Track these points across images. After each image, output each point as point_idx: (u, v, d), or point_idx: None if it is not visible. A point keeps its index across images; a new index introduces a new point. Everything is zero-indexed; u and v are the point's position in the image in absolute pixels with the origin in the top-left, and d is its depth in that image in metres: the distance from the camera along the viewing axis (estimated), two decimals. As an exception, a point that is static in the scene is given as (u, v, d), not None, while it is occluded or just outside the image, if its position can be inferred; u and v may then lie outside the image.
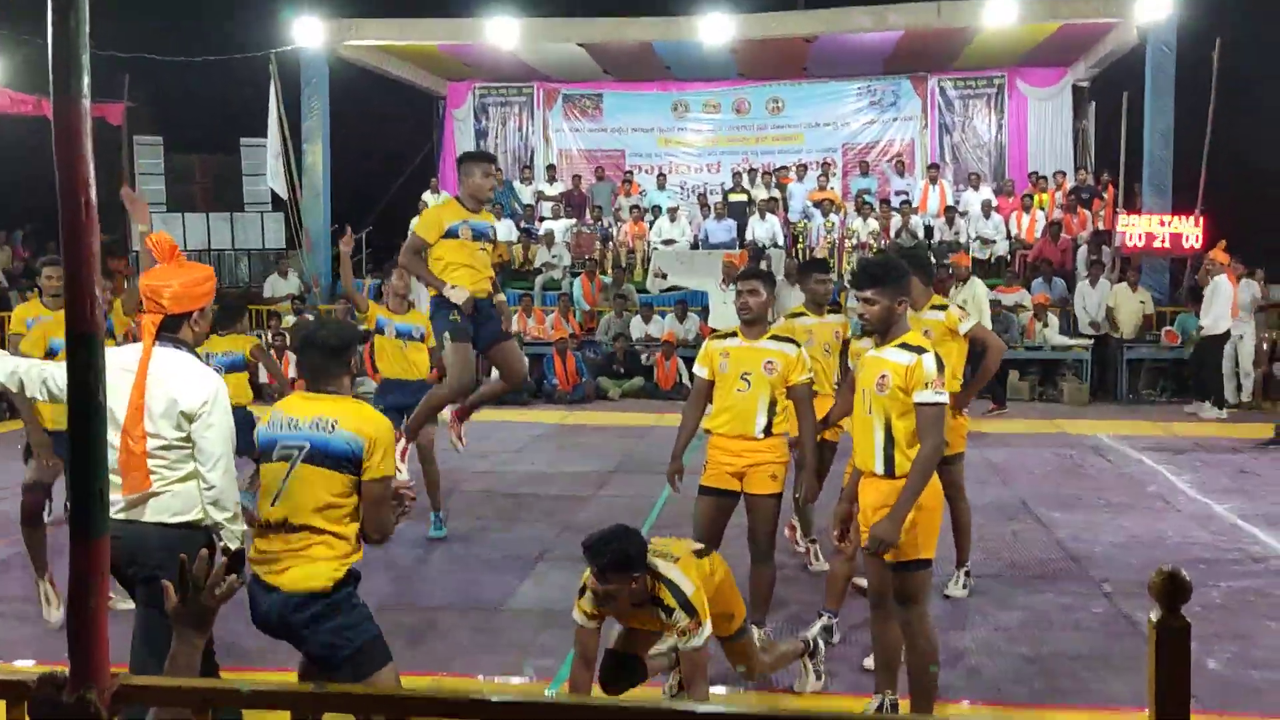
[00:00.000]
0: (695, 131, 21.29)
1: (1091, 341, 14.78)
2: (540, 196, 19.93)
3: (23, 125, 17.37)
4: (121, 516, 3.51)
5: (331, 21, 17.40)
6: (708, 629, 4.04)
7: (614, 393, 15.02)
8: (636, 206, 18.78)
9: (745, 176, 19.41)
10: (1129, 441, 11.35)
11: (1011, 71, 19.83)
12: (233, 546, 3.70)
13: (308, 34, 17.17)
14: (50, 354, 6.12)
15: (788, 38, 17.35)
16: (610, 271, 17.21)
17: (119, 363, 3.52)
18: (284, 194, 16.99)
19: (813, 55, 18.64)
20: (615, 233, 18.46)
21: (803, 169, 19.45)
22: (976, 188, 18.24)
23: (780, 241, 17.56)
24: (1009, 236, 17.35)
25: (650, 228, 18.35)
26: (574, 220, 18.83)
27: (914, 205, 18.04)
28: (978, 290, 11.43)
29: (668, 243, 17.99)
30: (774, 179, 19.36)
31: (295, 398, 3.77)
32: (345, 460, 3.54)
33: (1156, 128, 15.76)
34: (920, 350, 4.24)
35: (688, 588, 4.04)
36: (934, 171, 18.82)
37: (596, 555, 3.92)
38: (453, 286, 6.12)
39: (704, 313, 15.93)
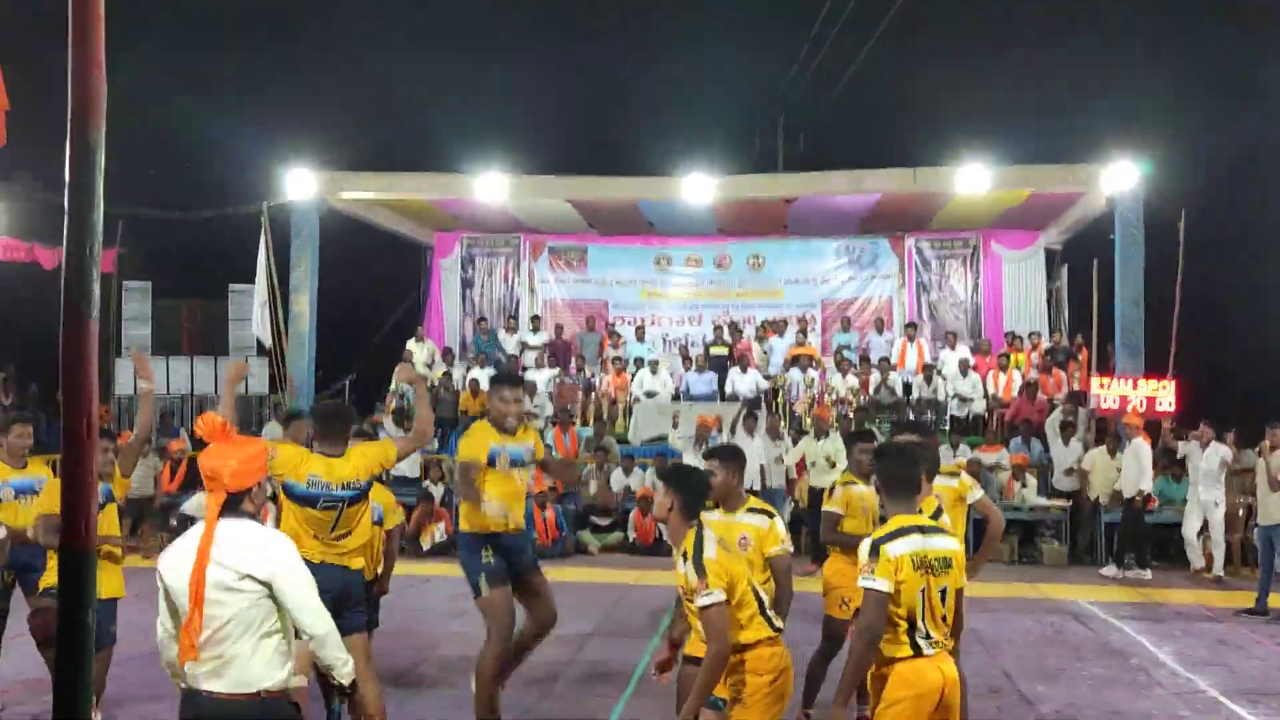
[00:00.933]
0: (677, 285, 21.69)
1: (1069, 503, 14.87)
2: (524, 346, 20.14)
3: (13, 271, 17.61)
4: (202, 687, 3.66)
5: (324, 174, 17.82)
6: (718, 595, 4.31)
7: (594, 547, 14.95)
8: (619, 358, 18.99)
9: (726, 330, 19.72)
10: (1109, 609, 11.33)
11: (985, 233, 20.41)
12: (345, 682, 3.96)
13: (300, 186, 17.55)
14: None
15: (767, 199, 17.88)
16: (591, 423, 17.32)
17: (186, 545, 3.73)
18: (268, 342, 17.11)
19: (793, 214, 19.16)
20: (598, 384, 18.62)
21: (783, 324, 19.80)
22: (953, 346, 18.56)
23: (762, 392, 17.76)
24: (986, 395, 17.59)
25: (632, 379, 18.53)
26: (557, 370, 19.00)
27: (892, 363, 18.33)
28: (839, 444, 12.67)
29: (649, 394, 18.15)
30: (756, 331, 19.71)
31: None
32: None
33: (1126, 292, 16.16)
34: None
35: (709, 552, 4.40)
36: (912, 330, 19.18)
37: (677, 470, 4.87)
38: (489, 500, 6.01)
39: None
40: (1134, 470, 13.65)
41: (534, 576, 6.45)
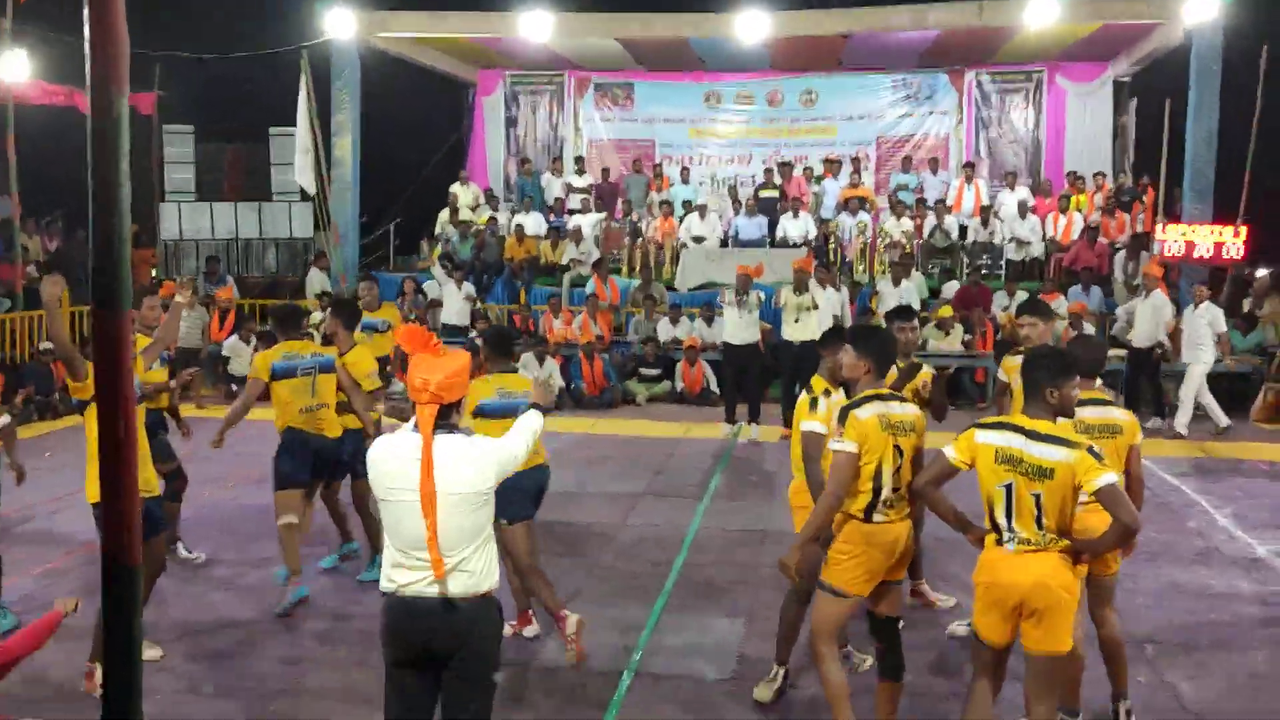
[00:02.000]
0: (727, 123, 21.02)
1: (1125, 352, 14.51)
2: (569, 189, 19.76)
3: (53, 115, 17.35)
4: (418, 592, 3.81)
5: (364, 13, 17.26)
6: (851, 446, 4.66)
7: (641, 397, 14.91)
8: (666, 202, 18.58)
9: (776, 172, 19.15)
10: (1166, 465, 11.14)
11: (1051, 66, 19.47)
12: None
13: (340, 26, 17.03)
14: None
15: (823, 35, 17.09)
16: (638, 270, 17.06)
17: (405, 453, 3.78)
18: (312, 189, 16.89)
19: (848, 49, 18.35)
20: (644, 228, 18.28)
21: (837, 165, 19.19)
22: (1012, 187, 17.94)
23: (812, 239, 17.36)
24: (1045, 238, 17.07)
25: (679, 224, 18.15)
26: (603, 215, 18.65)
27: (948, 204, 17.77)
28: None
29: (697, 240, 17.80)
30: (808, 172, 19.13)
31: None
32: None
33: (1199, 130, 15.41)
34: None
35: (863, 413, 4.71)
36: (969, 170, 18.53)
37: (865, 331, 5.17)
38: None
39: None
40: (1149, 324, 13.14)
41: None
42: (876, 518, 4.74)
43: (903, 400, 4.97)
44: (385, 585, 3.87)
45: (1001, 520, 4.31)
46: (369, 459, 3.91)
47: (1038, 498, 4.23)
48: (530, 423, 4.23)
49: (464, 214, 18.79)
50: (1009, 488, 4.27)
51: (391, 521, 3.83)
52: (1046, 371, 4.36)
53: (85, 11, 2.34)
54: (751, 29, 16.56)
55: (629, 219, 18.49)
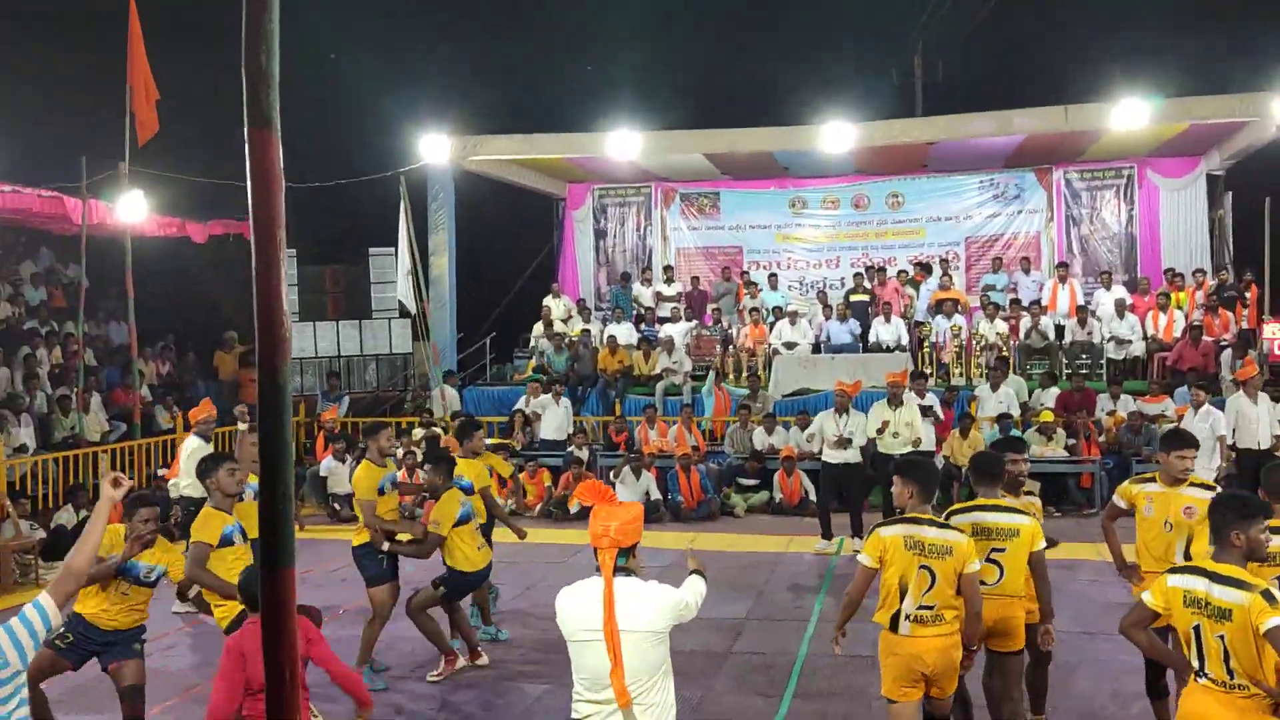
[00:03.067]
0: (814, 227, 21.20)
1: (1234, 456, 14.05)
2: (659, 298, 20.02)
3: (162, 245, 18.22)
4: None
5: (458, 139, 17.91)
6: (865, 559, 5.41)
7: (740, 509, 14.85)
8: (755, 309, 18.72)
9: (865, 276, 19.21)
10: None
11: (1141, 162, 19.36)
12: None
13: (435, 151, 17.69)
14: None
15: (909, 144, 17.26)
16: (738, 378, 17.08)
17: (589, 595, 4.15)
18: (413, 308, 17.39)
19: (933, 153, 18.51)
20: (735, 335, 18.40)
21: (927, 267, 19.18)
22: (1108, 286, 17.72)
23: (905, 343, 17.30)
24: (1145, 337, 16.78)
25: (770, 330, 18.23)
26: (694, 323, 18.84)
27: (1043, 304, 17.61)
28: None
29: (789, 345, 17.85)
30: (901, 276, 19.13)
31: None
32: None
33: (1301, 225, 15.16)
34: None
35: (885, 530, 5.35)
36: (1063, 270, 18.37)
37: (908, 463, 5.64)
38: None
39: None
40: (1265, 424, 12.59)
41: None
42: (901, 629, 5.22)
43: (942, 526, 5.27)
44: (574, 715, 4.17)
45: (1195, 662, 4.45)
46: (558, 603, 4.25)
47: (1222, 639, 4.32)
48: (698, 585, 4.55)
49: (557, 326, 19.13)
50: (1197, 630, 4.42)
51: (578, 658, 4.15)
52: (1231, 515, 4.46)
53: (247, 154, 2.59)
54: (836, 141, 16.81)
55: (719, 326, 18.64)
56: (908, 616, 5.20)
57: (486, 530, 8.97)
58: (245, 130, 2.65)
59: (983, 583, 5.36)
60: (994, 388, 15.18)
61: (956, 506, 5.87)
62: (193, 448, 10.26)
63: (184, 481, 10.38)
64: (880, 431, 12.43)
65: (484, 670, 8.42)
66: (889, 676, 5.32)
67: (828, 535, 12.44)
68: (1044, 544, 5.73)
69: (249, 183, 2.68)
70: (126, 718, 6.26)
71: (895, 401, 12.43)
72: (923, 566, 5.15)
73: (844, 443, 12.28)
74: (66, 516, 12.35)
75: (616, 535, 4.14)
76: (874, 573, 5.36)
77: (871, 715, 7.28)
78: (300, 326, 19.67)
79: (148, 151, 14.80)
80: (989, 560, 5.59)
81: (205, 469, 6.69)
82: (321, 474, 15.36)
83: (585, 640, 4.10)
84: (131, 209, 15.14)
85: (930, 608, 5.15)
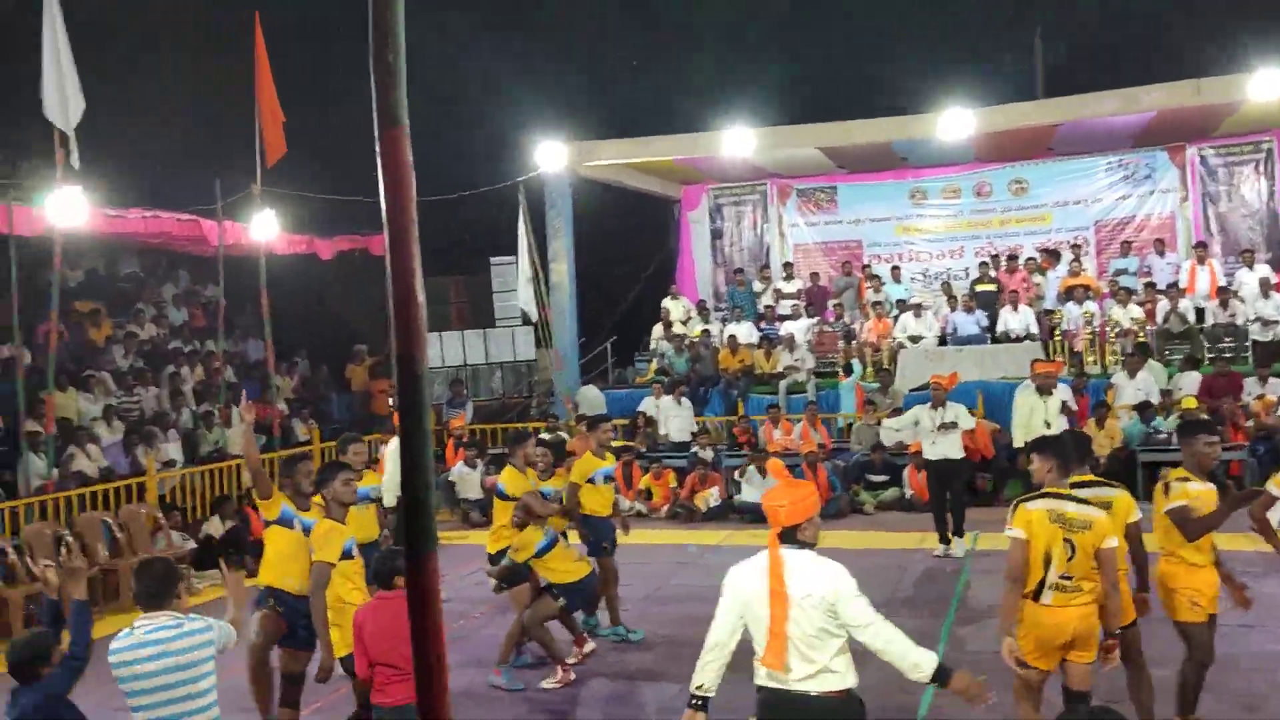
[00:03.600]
0: (934, 217, 20.77)
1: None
2: (778, 295, 19.88)
3: (292, 262, 18.81)
4: (778, 685, 4.37)
5: (573, 145, 18.09)
6: (1017, 533, 5.47)
7: (869, 506, 14.63)
8: (878, 302, 18.44)
9: (991, 265, 18.75)
10: None
11: (1281, 133, 18.46)
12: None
13: (552, 159, 17.89)
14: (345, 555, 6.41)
15: (1032, 127, 16.78)
16: (863, 374, 16.84)
17: (757, 567, 4.43)
18: (534, 316, 17.63)
19: (1058, 135, 17.94)
20: (858, 330, 18.15)
21: (1055, 254, 18.60)
22: (1251, 265, 16.94)
23: (1035, 332, 16.83)
24: (1293, 317, 15.99)
25: (894, 323, 17.93)
26: (815, 319, 18.64)
27: (1181, 287, 16.92)
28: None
29: (914, 339, 17.53)
30: (1028, 264, 18.58)
31: None
32: None
33: None
34: None
35: (1030, 504, 5.50)
36: (1201, 250, 17.61)
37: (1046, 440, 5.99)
38: None
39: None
40: None
41: None
42: (1044, 599, 5.37)
43: (1083, 502, 5.41)
44: (757, 681, 4.44)
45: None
46: (729, 578, 4.52)
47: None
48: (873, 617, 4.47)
49: (676, 328, 19.15)
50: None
51: (754, 627, 4.41)
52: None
53: (378, 152, 2.66)
54: (956, 128, 16.43)
55: (841, 321, 18.41)
56: (1050, 586, 5.35)
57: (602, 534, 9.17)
58: (375, 129, 2.71)
59: (1063, 580, 5.42)
60: (1131, 375, 14.66)
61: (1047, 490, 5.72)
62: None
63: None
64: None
65: (615, 670, 8.47)
66: (1028, 644, 5.43)
67: (944, 539, 11.89)
68: (1138, 516, 5.99)
69: (380, 181, 2.73)
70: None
71: (1045, 391, 11.96)
72: (1065, 540, 5.30)
73: (948, 427, 11.72)
74: (214, 527, 12.83)
75: (788, 511, 4.41)
76: (1026, 544, 5.40)
77: (1012, 716, 7.07)
78: (427, 337, 20.07)
79: (275, 172, 15.31)
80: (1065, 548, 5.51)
81: (322, 479, 6.64)
82: (452, 479, 15.65)
83: (757, 608, 4.35)
84: (264, 228, 15.67)
85: (1070, 578, 5.32)
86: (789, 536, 4.41)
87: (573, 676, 8.26)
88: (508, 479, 8.33)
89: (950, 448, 11.83)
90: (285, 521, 6.75)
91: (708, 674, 4.51)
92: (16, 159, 19.33)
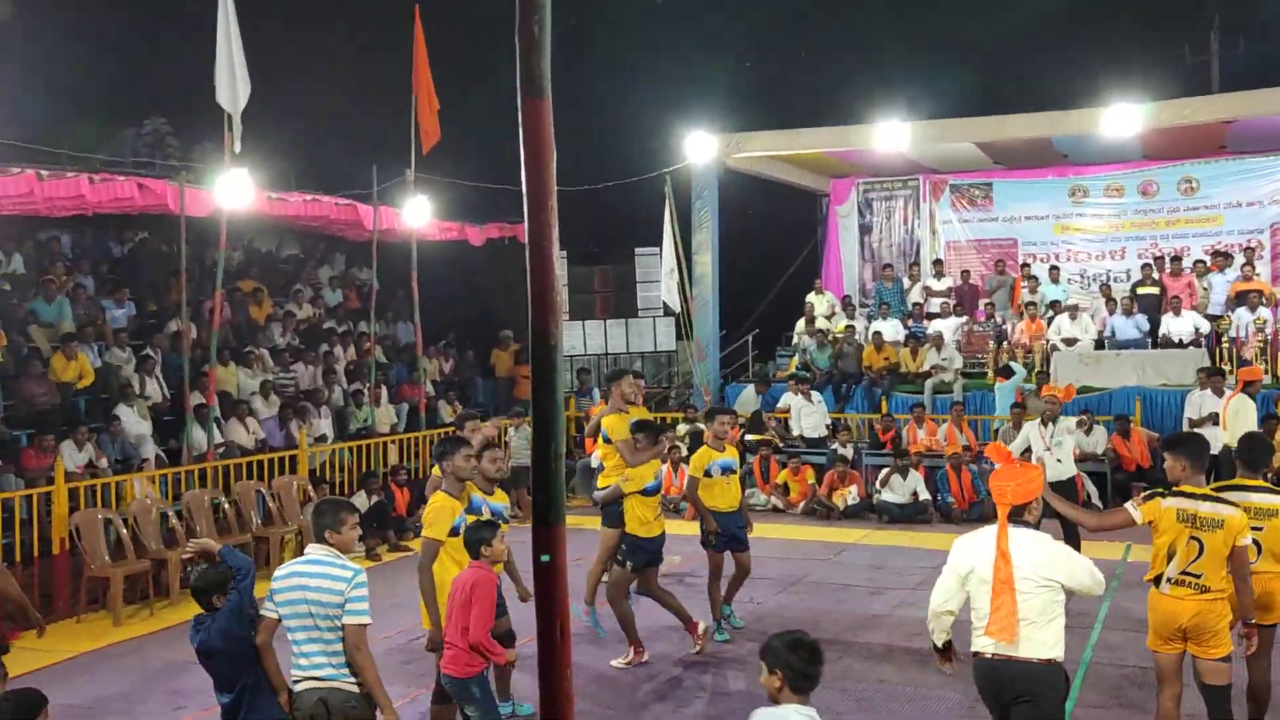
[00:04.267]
0: (1096, 216, 19.94)
1: None
2: (927, 293, 19.41)
3: (444, 248, 19.22)
4: (995, 652, 4.84)
5: (722, 136, 18.00)
6: (1138, 515, 5.68)
7: (1014, 511, 14.15)
8: (1031, 303, 17.83)
9: (1154, 266, 17.92)
10: None
11: None
12: None
13: (700, 150, 17.84)
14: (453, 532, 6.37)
15: (1203, 123, 15.93)
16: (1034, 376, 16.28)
17: (984, 543, 4.91)
18: (677, 307, 17.62)
19: (1232, 133, 17.01)
20: (1010, 331, 17.59)
21: (1226, 257, 17.67)
22: None
23: (1204, 336, 16.02)
24: None
25: (1048, 325, 17.30)
26: (964, 318, 18.13)
27: (1367, 295, 15.88)
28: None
29: (1068, 342, 16.89)
30: (1197, 266, 17.68)
31: None
32: None
33: None
34: None
35: (1165, 501, 5.65)
36: (1388, 256, 16.49)
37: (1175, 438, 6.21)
38: None
39: (1115, 422, 14.70)
40: None
41: None
42: (1162, 589, 5.62)
43: (1215, 500, 5.56)
44: (974, 649, 4.92)
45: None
46: (955, 548, 5.07)
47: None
48: (1097, 573, 4.97)
49: (820, 323, 18.89)
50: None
51: (973, 599, 4.93)
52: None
53: (522, 167, 2.68)
54: (1121, 124, 15.72)
55: (992, 321, 17.87)
56: (1169, 579, 5.57)
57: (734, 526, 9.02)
58: (519, 99, 2.71)
59: (1185, 574, 5.60)
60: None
61: (1220, 484, 6.11)
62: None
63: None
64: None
65: (740, 657, 8.38)
66: (1151, 630, 5.77)
67: None
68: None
69: (522, 150, 2.74)
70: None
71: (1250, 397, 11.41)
72: (1192, 538, 5.48)
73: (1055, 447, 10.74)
74: (360, 501, 13.22)
75: (1014, 492, 4.84)
76: (1131, 524, 5.72)
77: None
78: (570, 325, 20.30)
79: (430, 159, 15.65)
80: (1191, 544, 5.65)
81: (442, 452, 6.63)
82: (592, 466, 15.75)
83: (980, 581, 4.85)
84: (417, 214, 16.05)
85: (1197, 575, 5.48)
86: (1016, 515, 4.86)
87: (645, 658, 8.31)
88: (610, 424, 8.23)
89: (1063, 467, 10.76)
90: (475, 510, 6.69)
91: (940, 633, 5.22)
92: (191, 143, 20.33)
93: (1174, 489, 5.66)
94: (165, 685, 8.12)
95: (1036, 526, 4.95)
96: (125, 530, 10.61)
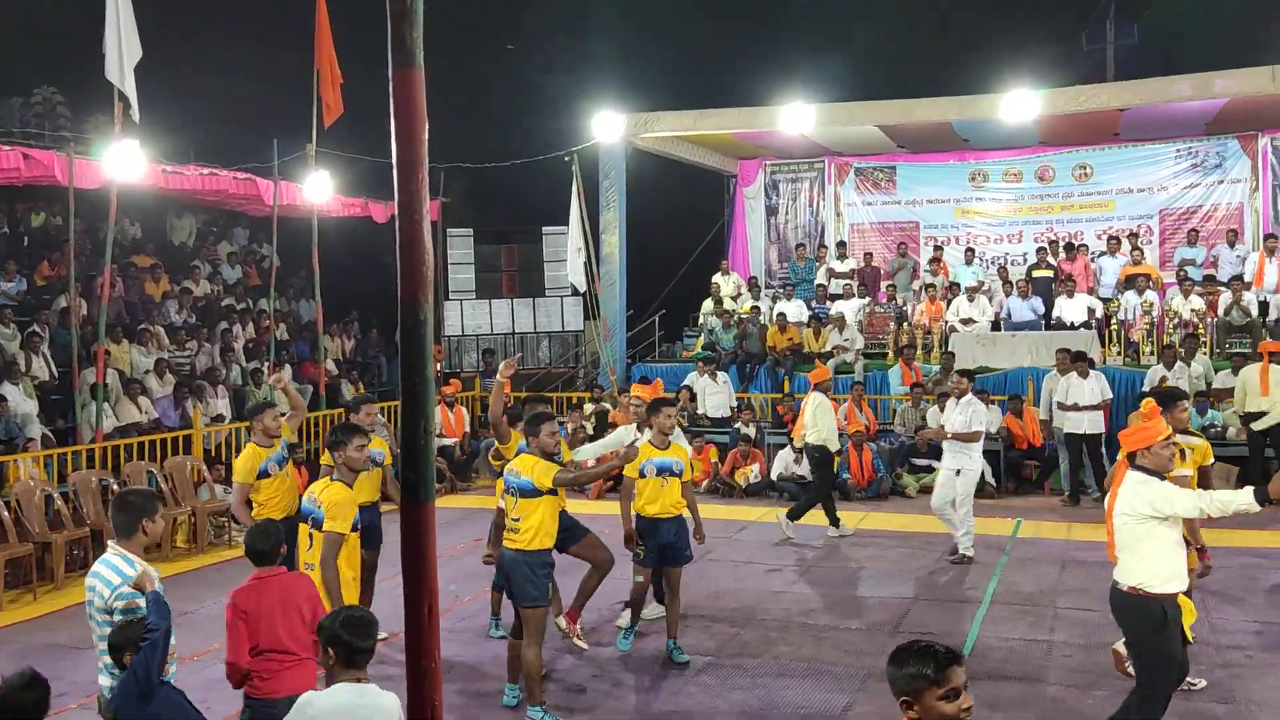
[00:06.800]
0: (995, 200, 20.42)
1: None
2: (831, 274, 19.65)
3: (346, 224, 18.92)
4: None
5: (630, 116, 17.98)
6: None
7: (911, 489, 14.46)
8: (930, 285, 18.17)
9: (1049, 250, 18.40)
10: None
11: (1360, 126, 17.85)
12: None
13: (607, 129, 17.80)
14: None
15: (1098, 110, 16.37)
16: (902, 353, 16.61)
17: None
18: (583, 287, 17.59)
19: (1125, 121, 17.51)
20: (910, 312, 17.91)
21: (1115, 241, 18.21)
22: (1322, 259, 16.45)
23: (1091, 321, 16.49)
24: (1363, 314, 15.52)
25: (947, 307, 17.66)
26: (866, 300, 18.40)
27: (1247, 280, 16.46)
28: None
29: (966, 322, 17.26)
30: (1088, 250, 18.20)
31: None
32: None
33: None
34: None
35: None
36: (1272, 243, 17.09)
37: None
38: None
39: (1009, 402, 15.06)
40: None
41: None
42: None
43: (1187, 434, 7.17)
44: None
45: None
46: None
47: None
48: (1193, 499, 5.57)
49: (726, 303, 19.02)
50: None
51: None
52: None
53: (393, 135, 2.63)
54: (1019, 109, 16.09)
55: (893, 303, 18.17)
56: None
57: None
58: (389, 70, 2.66)
59: None
60: (1168, 366, 14.26)
61: None
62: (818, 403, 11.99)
63: (809, 432, 11.96)
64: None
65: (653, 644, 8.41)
66: None
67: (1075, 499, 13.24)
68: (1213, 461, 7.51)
69: (393, 121, 2.70)
70: None
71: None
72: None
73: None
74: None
75: (1132, 439, 5.68)
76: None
77: (1047, 701, 6.97)
78: (476, 304, 20.14)
79: (333, 132, 15.34)
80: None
81: (335, 441, 6.43)
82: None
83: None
84: (318, 189, 15.75)
85: None
86: (1132, 459, 5.65)
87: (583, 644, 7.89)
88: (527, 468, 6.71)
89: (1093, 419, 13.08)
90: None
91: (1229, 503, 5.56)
92: (84, 114, 19.66)
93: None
94: (48, 672, 7.84)
95: (1150, 471, 5.55)
96: (7, 513, 10.26)
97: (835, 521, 12.07)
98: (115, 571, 4.61)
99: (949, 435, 10.80)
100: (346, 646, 3.97)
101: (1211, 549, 7.74)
